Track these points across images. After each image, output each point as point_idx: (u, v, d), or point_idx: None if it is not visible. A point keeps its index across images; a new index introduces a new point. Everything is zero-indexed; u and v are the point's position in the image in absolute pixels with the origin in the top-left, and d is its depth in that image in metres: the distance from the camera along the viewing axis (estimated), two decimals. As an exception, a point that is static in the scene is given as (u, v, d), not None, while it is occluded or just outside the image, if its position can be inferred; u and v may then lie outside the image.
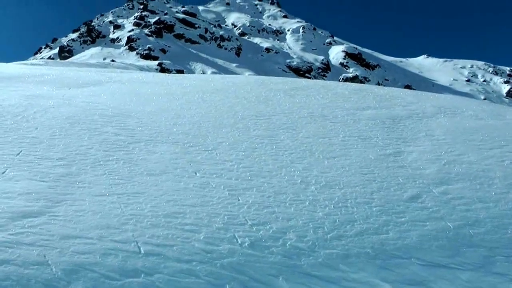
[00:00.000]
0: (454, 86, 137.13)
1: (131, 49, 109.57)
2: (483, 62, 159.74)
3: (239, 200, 7.31)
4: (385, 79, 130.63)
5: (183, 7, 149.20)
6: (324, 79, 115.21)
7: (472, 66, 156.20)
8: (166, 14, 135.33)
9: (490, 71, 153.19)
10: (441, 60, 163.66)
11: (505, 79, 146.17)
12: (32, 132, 10.38)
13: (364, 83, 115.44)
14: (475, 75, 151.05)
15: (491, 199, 7.85)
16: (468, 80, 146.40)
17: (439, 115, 14.44)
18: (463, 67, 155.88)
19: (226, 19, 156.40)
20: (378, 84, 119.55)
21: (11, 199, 6.70)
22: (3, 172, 7.76)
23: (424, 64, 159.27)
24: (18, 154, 8.78)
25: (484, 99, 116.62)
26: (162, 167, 8.62)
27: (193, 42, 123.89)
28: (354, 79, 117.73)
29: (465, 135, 12.01)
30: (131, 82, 19.69)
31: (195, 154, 9.48)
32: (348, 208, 7.27)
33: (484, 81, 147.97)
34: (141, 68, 74.53)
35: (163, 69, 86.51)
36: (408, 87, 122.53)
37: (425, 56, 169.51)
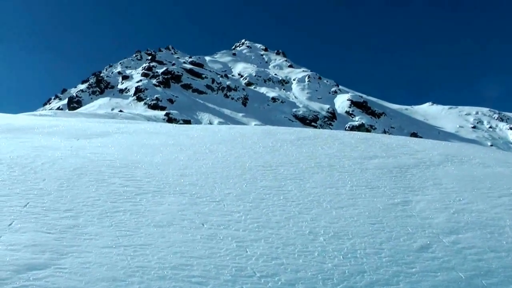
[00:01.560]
0: (460, 133, 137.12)
1: (139, 99, 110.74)
2: (488, 109, 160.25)
3: (247, 251, 7.24)
4: (391, 127, 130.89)
5: (190, 57, 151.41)
6: (330, 128, 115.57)
7: (477, 113, 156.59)
8: (173, 64, 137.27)
9: (496, 118, 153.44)
10: (446, 107, 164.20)
11: (511, 126, 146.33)
12: (40, 183, 10.39)
13: (370, 131, 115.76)
14: (480, 122, 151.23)
15: (503, 249, 7.74)
16: (474, 127, 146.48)
17: (446, 163, 14.41)
18: (468, 114, 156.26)
19: (232, 69, 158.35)
20: (384, 132, 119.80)
21: (17, 251, 6.66)
22: (10, 224, 7.73)
23: (429, 112, 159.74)
24: (25, 205, 8.77)
25: (491, 145, 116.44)
26: (169, 218, 8.58)
27: (200, 92, 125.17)
28: (360, 127, 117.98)
29: (473, 183, 11.94)
30: (139, 133, 19.80)
31: (202, 205, 9.45)
32: (357, 258, 7.19)
33: (490, 127, 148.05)
34: (149, 118, 75.13)
35: (170, 119, 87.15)
36: (414, 134, 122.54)
37: (430, 103, 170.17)
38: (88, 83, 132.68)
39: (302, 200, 10.11)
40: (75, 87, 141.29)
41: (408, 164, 14.01)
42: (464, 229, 8.60)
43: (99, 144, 16.10)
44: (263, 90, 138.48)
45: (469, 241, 8.03)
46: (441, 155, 15.53)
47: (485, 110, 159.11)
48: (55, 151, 14.17)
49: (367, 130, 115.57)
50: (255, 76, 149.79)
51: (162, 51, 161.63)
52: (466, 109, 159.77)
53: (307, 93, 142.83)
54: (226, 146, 16.19)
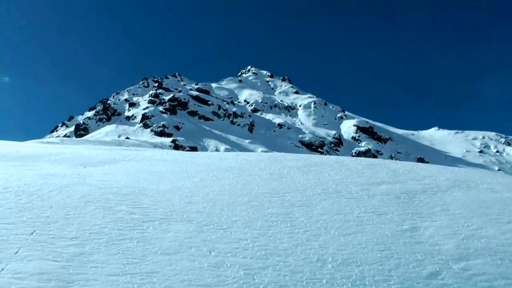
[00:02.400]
0: (467, 158, 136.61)
1: (146, 126, 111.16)
2: (495, 133, 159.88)
3: (254, 279, 7.19)
4: (398, 152, 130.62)
5: (196, 84, 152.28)
6: (336, 154, 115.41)
7: (483, 137, 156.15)
8: (180, 91, 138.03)
9: (502, 142, 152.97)
10: (452, 132, 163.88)
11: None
12: (47, 211, 10.39)
13: (376, 156, 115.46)
14: (487, 146, 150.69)
15: (513, 276, 7.65)
16: (480, 152, 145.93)
17: (454, 188, 14.34)
18: (475, 138, 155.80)
19: (238, 96, 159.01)
20: (391, 157, 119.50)
21: (23, 280, 6.64)
22: (16, 252, 7.72)
23: (435, 137, 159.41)
24: (32, 233, 8.76)
25: (498, 170, 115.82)
26: (176, 246, 8.54)
27: (207, 119, 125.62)
28: (366, 153, 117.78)
29: (482, 209, 11.86)
30: (145, 160, 19.85)
31: (209, 233, 9.41)
32: (366, 286, 7.12)
33: (497, 152, 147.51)
34: (155, 145, 75.31)
35: (177, 146, 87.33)
36: (421, 159, 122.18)
37: (436, 128, 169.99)
38: (95, 110, 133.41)
39: (309, 227, 10.06)
40: (82, 114, 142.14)
41: (415, 190, 13.94)
42: (474, 255, 8.52)
43: (106, 172, 16.13)
44: (269, 116, 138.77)
45: (479, 267, 7.95)
46: (448, 180, 15.47)
47: (492, 134, 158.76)
48: (62, 178, 14.20)
49: (374, 156, 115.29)
50: (261, 102, 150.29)
51: (169, 78, 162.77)
52: (473, 133, 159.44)
53: (313, 119, 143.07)
54: (233, 173, 16.19)
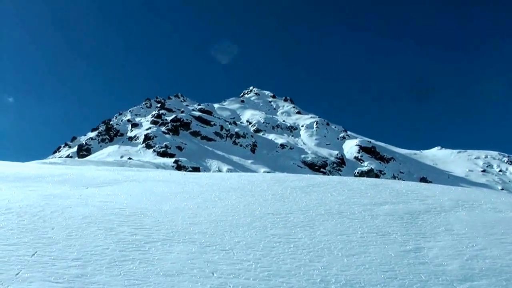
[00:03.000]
0: (470, 177, 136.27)
1: (148, 146, 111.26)
2: (497, 152, 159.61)
3: (257, 301, 7.13)
4: (400, 172, 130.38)
5: (199, 105, 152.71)
6: (339, 174, 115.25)
7: (486, 157, 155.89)
8: (182, 112, 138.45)
9: (505, 161, 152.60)
10: (455, 151, 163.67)
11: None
12: (48, 232, 10.37)
13: (379, 176, 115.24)
14: (490, 165, 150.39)
15: (518, 297, 7.58)
16: (483, 171, 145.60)
17: (458, 208, 14.28)
18: (478, 158, 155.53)
19: (241, 116, 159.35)
20: (394, 177, 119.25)
21: (26, 303, 6.60)
22: (17, 274, 7.68)
23: (438, 156, 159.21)
24: (33, 254, 8.73)
25: (502, 189, 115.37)
26: (178, 267, 8.49)
27: (209, 139, 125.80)
28: (369, 173, 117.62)
29: (486, 229, 11.80)
30: (148, 181, 19.84)
31: (212, 254, 9.36)
32: (370, 308, 7.05)
33: (500, 171, 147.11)
34: (158, 166, 75.31)
35: (179, 167, 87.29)
36: (423, 179, 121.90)
37: (439, 147, 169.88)
38: (97, 131, 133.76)
39: (312, 248, 10.00)
40: (85, 135, 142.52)
41: (418, 210, 13.89)
42: (478, 276, 8.45)
43: (109, 193, 16.12)
44: (271, 136, 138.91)
45: (484, 288, 7.88)
46: (451, 200, 15.41)
47: (494, 153, 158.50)
48: (64, 199, 14.19)
49: (376, 176, 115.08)
50: (263, 123, 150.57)
51: (171, 98, 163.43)
52: (475, 152, 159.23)
53: (316, 139, 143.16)
54: (235, 194, 16.16)
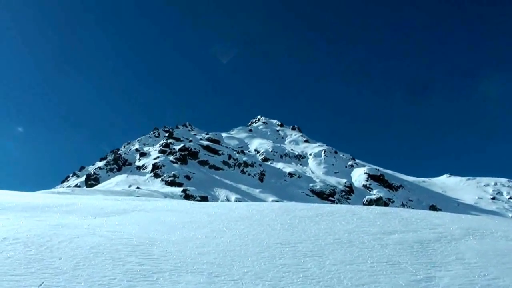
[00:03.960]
0: (479, 205, 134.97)
1: (156, 176, 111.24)
2: (507, 179, 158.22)
3: (266, 333, 7.03)
4: (409, 200, 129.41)
5: (207, 134, 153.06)
6: (348, 202, 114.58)
7: (496, 184, 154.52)
8: (190, 141, 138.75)
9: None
10: (464, 178, 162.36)
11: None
12: (56, 262, 10.32)
13: (388, 204, 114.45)
14: (500, 193, 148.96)
15: (532, 328, 7.44)
16: (493, 198, 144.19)
17: (468, 237, 14.14)
18: (487, 185, 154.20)
19: (249, 145, 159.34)
20: (403, 205, 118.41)
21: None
22: (25, 306, 7.63)
23: (447, 184, 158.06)
24: (40, 285, 8.68)
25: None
26: (186, 298, 8.41)
27: (217, 169, 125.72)
28: (378, 201, 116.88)
29: (498, 258, 11.65)
30: (156, 210, 19.81)
31: (220, 284, 9.28)
32: None
33: (510, 198, 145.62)
34: (166, 195, 75.27)
35: (187, 196, 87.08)
36: (433, 207, 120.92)
37: (448, 175, 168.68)
38: (106, 160, 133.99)
39: (322, 278, 9.89)
40: (93, 164, 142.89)
41: (429, 238, 13.76)
42: (491, 306, 8.32)
43: (117, 222, 16.08)
44: (279, 165, 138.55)
45: (497, 319, 7.75)
46: (462, 228, 15.27)
47: (504, 180, 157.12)
48: (72, 229, 14.17)
49: (385, 204, 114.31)
50: (271, 151, 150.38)
51: (179, 128, 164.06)
52: (485, 180, 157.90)
53: (324, 167, 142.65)
54: (244, 224, 16.09)
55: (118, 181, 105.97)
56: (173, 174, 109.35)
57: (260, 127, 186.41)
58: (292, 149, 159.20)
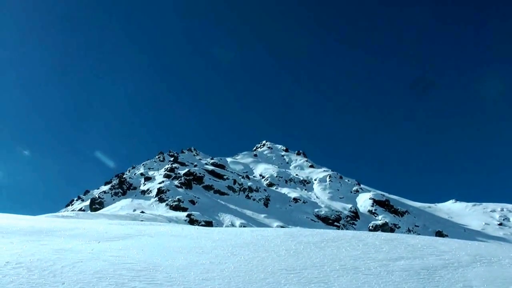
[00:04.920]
0: (486, 231, 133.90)
1: (161, 200, 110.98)
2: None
3: None
4: (415, 225, 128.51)
5: (212, 159, 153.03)
6: (353, 227, 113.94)
7: (502, 209, 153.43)
8: (195, 166, 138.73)
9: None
10: (470, 204, 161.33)
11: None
12: (59, 287, 10.25)
13: (394, 230, 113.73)
14: (507, 219, 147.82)
15: None
16: (500, 224, 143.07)
17: (475, 264, 13.99)
18: (493, 211, 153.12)
19: (254, 170, 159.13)
20: (409, 230, 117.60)
21: None
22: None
23: (453, 209, 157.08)
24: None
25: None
26: (190, 325, 8.31)
27: (222, 193, 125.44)
28: (383, 226, 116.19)
29: (506, 285, 11.52)
30: (160, 235, 19.73)
31: (224, 311, 9.17)
32: None
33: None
34: (170, 220, 75.08)
35: (192, 221, 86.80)
36: (439, 233, 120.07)
37: (454, 200, 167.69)
38: (111, 184, 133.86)
39: (327, 305, 9.78)
40: (98, 188, 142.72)
41: (435, 265, 13.62)
42: (499, 335, 8.19)
43: (121, 247, 16.00)
44: (284, 190, 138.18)
45: None
46: (469, 255, 15.12)
47: (510, 206, 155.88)
48: (75, 254, 14.10)
49: (391, 229, 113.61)
50: (276, 176, 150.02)
51: (185, 152, 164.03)
52: (491, 205, 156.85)
53: (329, 193, 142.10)
54: (248, 249, 15.99)
55: (122, 205, 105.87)
56: (178, 198, 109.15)
57: (265, 152, 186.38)
58: (297, 174, 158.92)
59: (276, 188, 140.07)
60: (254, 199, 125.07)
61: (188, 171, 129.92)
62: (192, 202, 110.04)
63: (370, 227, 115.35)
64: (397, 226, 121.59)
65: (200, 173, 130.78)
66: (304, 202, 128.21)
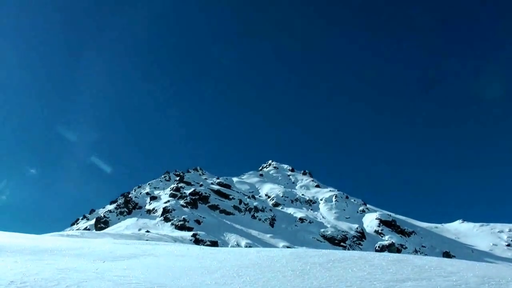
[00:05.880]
0: (494, 252, 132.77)
1: (166, 219, 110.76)
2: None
3: None
4: (422, 246, 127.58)
5: (218, 178, 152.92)
6: (359, 248, 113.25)
7: (510, 230, 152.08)
8: (201, 185, 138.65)
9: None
10: (477, 224, 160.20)
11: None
12: (64, 308, 10.19)
13: (400, 250, 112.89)
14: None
15: None
16: (508, 245, 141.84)
17: (484, 285, 13.81)
18: (501, 231, 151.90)
19: (260, 190, 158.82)
20: (415, 251, 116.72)
21: None
22: None
23: (460, 230, 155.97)
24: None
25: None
26: None
27: (228, 213, 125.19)
28: (390, 247, 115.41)
29: (515, 308, 11.35)
30: (165, 255, 19.64)
31: (229, 333, 9.07)
32: None
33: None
34: (176, 239, 74.86)
35: (197, 240, 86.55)
36: (446, 253, 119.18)
37: (461, 221, 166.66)
38: (116, 203, 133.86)
39: (333, 327, 9.66)
40: (103, 207, 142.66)
41: (443, 287, 13.46)
42: None
43: (125, 267, 15.92)
44: (290, 210, 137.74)
45: None
46: (477, 277, 14.94)
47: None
48: (80, 273, 14.02)
49: (398, 250, 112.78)
50: (282, 196, 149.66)
51: (190, 172, 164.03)
52: (499, 226, 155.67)
53: (335, 212, 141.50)
54: (254, 270, 15.87)
55: (128, 224, 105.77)
56: (183, 218, 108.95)
57: (271, 172, 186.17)
58: (303, 194, 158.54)
59: (282, 208, 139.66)
60: (260, 219, 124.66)
61: (194, 190, 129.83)
62: (198, 221, 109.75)
63: (377, 248, 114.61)
64: (404, 246, 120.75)
65: (206, 193, 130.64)
66: (310, 222, 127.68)
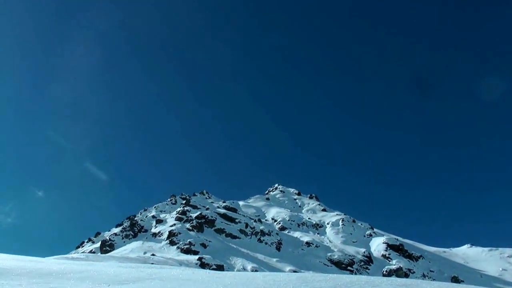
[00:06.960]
0: (504, 277, 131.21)
1: (172, 243, 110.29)
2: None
3: None
4: (430, 271, 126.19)
5: (224, 202, 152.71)
6: (367, 272, 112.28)
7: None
8: (207, 209, 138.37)
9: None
10: (486, 249, 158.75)
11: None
12: (67, 334, 10.04)
13: (408, 275, 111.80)
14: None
15: None
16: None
17: (494, 312, 13.56)
18: (510, 256, 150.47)
19: (266, 214, 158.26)
20: (424, 276, 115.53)
21: None
22: None
23: (469, 254, 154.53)
24: None
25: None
26: None
27: (234, 237, 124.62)
28: (398, 271, 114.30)
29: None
30: (171, 279, 19.46)
31: None
32: None
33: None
34: (181, 263, 74.46)
35: (203, 264, 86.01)
36: (455, 278, 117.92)
37: (469, 245, 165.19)
38: (122, 226, 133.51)
39: None
40: (109, 230, 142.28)
41: (453, 313, 13.24)
42: None
43: (130, 291, 15.77)
44: (296, 234, 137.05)
45: None
46: (487, 302, 14.69)
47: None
48: (85, 298, 13.89)
49: (405, 274, 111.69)
50: (288, 220, 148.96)
51: (197, 195, 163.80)
52: (507, 251, 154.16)
53: (342, 236, 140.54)
54: (260, 294, 15.68)
55: (133, 247, 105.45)
56: (189, 241, 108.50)
57: (277, 196, 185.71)
58: (309, 218, 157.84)
59: (288, 232, 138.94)
60: (266, 243, 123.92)
61: (200, 214, 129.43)
62: (204, 245, 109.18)
63: (384, 272, 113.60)
64: (412, 271, 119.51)
65: (212, 216, 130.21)
66: (316, 246, 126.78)
